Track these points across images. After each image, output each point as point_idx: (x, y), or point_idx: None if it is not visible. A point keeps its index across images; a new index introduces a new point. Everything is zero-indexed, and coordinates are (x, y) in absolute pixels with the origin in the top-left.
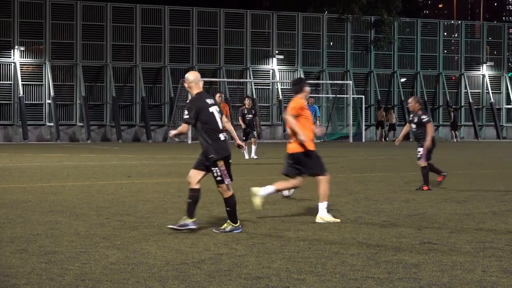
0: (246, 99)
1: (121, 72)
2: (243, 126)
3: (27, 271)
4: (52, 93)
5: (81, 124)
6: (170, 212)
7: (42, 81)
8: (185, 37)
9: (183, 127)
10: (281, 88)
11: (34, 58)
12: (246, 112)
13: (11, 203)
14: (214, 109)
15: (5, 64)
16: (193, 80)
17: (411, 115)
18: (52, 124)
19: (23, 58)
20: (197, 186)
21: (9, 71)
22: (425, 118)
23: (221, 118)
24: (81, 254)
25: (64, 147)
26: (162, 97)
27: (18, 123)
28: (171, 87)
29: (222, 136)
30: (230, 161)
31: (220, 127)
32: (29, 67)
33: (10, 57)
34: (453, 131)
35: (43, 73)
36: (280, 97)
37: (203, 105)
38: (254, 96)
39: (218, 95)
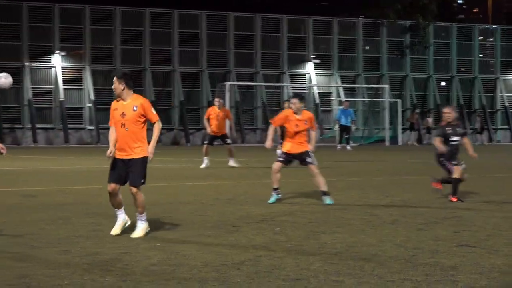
0: (286, 102)
1: (160, 76)
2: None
3: (70, 271)
4: (92, 97)
5: None
6: (209, 214)
7: (82, 86)
8: (222, 42)
9: None
10: (317, 92)
11: (74, 63)
12: None
13: (54, 205)
14: None
15: (46, 69)
16: None
17: (450, 128)
18: (92, 127)
19: (63, 63)
20: None
21: (50, 76)
22: (465, 129)
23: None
24: (123, 255)
25: (104, 150)
26: (200, 101)
27: (59, 126)
28: (209, 91)
29: None
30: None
31: None
32: (69, 72)
33: (51, 62)
34: (478, 135)
35: (83, 77)
36: (317, 101)
37: None
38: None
39: (216, 99)
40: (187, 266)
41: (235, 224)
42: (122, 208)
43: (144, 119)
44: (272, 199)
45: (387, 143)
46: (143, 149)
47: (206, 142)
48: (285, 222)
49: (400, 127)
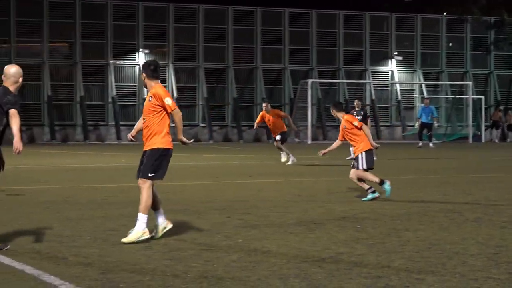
0: (356, 101)
1: (242, 73)
2: None
3: (152, 267)
4: (175, 95)
5: (203, 124)
6: (291, 210)
7: (166, 83)
8: (304, 39)
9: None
10: (400, 89)
11: (157, 61)
12: (355, 114)
13: (136, 201)
14: None
15: (130, 66)
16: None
17: None
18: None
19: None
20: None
21: (134, 74)
22: None
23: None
24: (203, 252)
25: (187, 147)
26: (282, 98)
27: None
28: (291, 88)
29: None
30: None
31: None
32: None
33: (135, 60)
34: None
35: (166, 75)
36: (399, 97)
37: None
38: (373, 97)
39: (264, 104)
40: (268, 263)
41: (316, 221)
42: (161, 207)
43: (161, 109)
44: (369, 196)
45: (470, 140)
46: (158, 140)
47: (276, 139)
48: (366, 219)
49: (483, 124)
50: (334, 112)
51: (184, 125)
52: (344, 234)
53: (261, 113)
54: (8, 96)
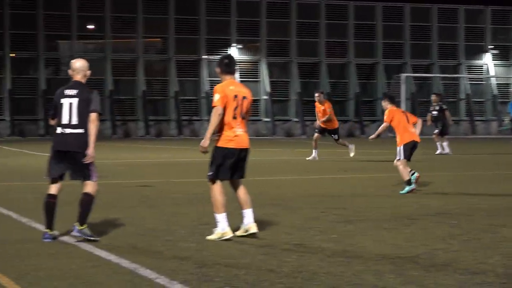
0: (433, 95)
1: (335, 68)
2: (428, 123)
3: (247, 262)
4: (268, 89)
5: (296, 119)
6: (385, 206)
7: (258, 78)
8: (398, 33)
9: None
10: (496, 83)
11: (250, 56)
12: (431, 108)
13: (233, 197)
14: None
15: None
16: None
17: None
18: (268, 119)
19: (240, 55)
20: None
21: None
22: None
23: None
24: (298, 246)
25: (280, 142)
26: (375, 93)
27: None
28: (384, 83)
29: (59, 129)
30: None
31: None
32: (246, 65)
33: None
34: None
35: (259, 70)
36: (494, 92)
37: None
38: (468, 92)
39: (316, 94)
40: (362, 258)
41: (411, 217)
42: (246, 208)
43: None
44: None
45: None
46: (218, 139)
47: (316, 130)
48: (461, 215)
49: None
50: (385, 104)
51: (277, 120)
52: (439, 230)
53: (316, 103)
54: (92, 95)
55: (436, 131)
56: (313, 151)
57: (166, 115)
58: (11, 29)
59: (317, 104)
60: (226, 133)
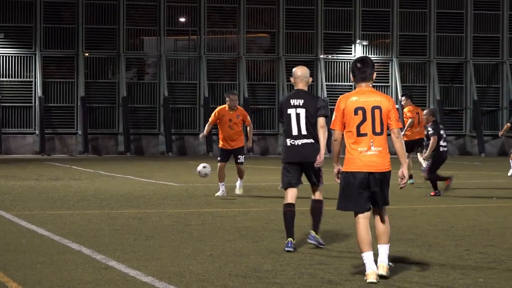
0: None
1: (484, 70)
2: None
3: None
4: (400, 96)
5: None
6: None
7: (388, 82)
8: None
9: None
10: None
11: (378, 54)
12: None
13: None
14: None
15: (344, 62)
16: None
17: None
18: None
19: (365, 54)
20: None
21: (350, 68)
22: None
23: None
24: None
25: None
26: None
27: None
28: None
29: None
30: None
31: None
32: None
33: (351, 54)
34: None
35: (389, 71)
36: None
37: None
38: None
39: (230, 96)
40: None
41: None
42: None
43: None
44: None
45: None
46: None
47: (219, 159)
48: None
49: None
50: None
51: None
52: None
53: (220, 109)
54: (318, 102)
55: None
56: None
57: (272, 128)
58: (86, 23)
59: (225, 109)
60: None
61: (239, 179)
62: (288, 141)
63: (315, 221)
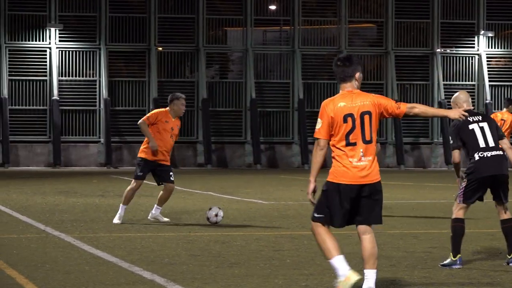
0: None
1: None
2: None
3: None
4: None
5: None
6: None
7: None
8: None
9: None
10: None
11: (507, 48)
12: None
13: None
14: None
15: (465, 56)
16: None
17: None
18: None
19: (489, 48)
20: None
21: (470, 68)
22: None
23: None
24: None
25: None
26: None
27: None
28: None
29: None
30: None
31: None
32: (497, 61)
33: (473, 47)
34: None
35: None
36: None
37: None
38: None
39: (176, 100)
40: None
41: None
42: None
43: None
44: None
45: None
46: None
47: (140, 174)
48: None
49: None
50: None
51: None
52: None
53: (157, 112)
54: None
55: None
56: None
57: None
58: (159, 11)
59: (167, 114)
60: None
61: (158, 205)
62: (476, 155)
63: (510, 243)
